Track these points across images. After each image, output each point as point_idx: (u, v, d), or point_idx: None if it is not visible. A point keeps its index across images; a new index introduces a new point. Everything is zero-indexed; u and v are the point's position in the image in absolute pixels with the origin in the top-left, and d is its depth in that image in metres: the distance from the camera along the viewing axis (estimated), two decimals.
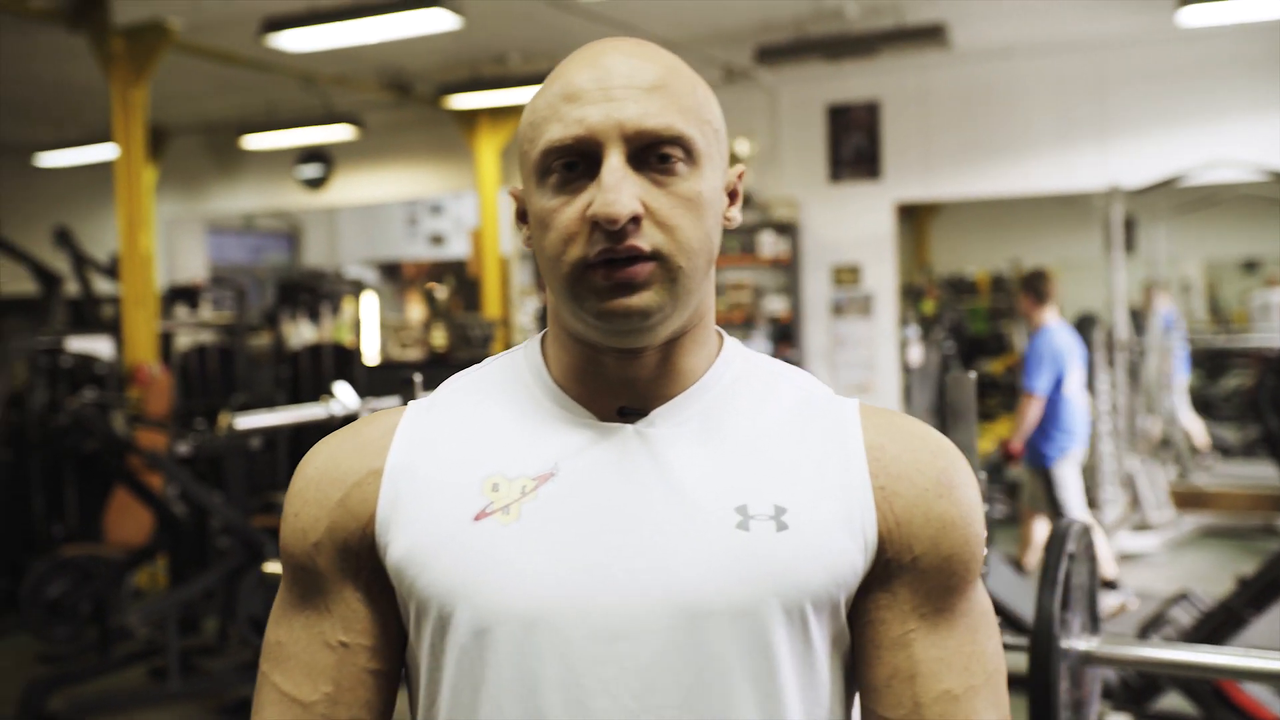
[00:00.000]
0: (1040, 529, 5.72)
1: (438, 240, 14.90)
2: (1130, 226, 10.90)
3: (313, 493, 0.99)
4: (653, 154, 0.91)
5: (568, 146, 0.91)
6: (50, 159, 10.80)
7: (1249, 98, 7.33)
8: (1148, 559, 6.66)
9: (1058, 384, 5.52)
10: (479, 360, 1.08)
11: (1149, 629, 3.74)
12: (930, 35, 6.84)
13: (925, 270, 13.95)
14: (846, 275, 8.54)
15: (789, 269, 8.64)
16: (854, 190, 8.53)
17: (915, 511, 0.96)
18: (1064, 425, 5.56)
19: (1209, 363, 11.41)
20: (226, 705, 4.59)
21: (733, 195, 1.01)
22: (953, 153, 8.26)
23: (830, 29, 7.31)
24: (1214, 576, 5.69)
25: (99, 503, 5.63)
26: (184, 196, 11.66)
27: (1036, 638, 1.86)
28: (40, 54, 7.86)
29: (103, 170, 9.33)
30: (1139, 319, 9.03)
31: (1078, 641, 1.96)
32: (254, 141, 9.94)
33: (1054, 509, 5.53)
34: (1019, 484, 6.15)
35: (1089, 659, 1.98)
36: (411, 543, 0.94)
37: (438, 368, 6.36)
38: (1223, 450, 9.32)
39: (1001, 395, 11.47)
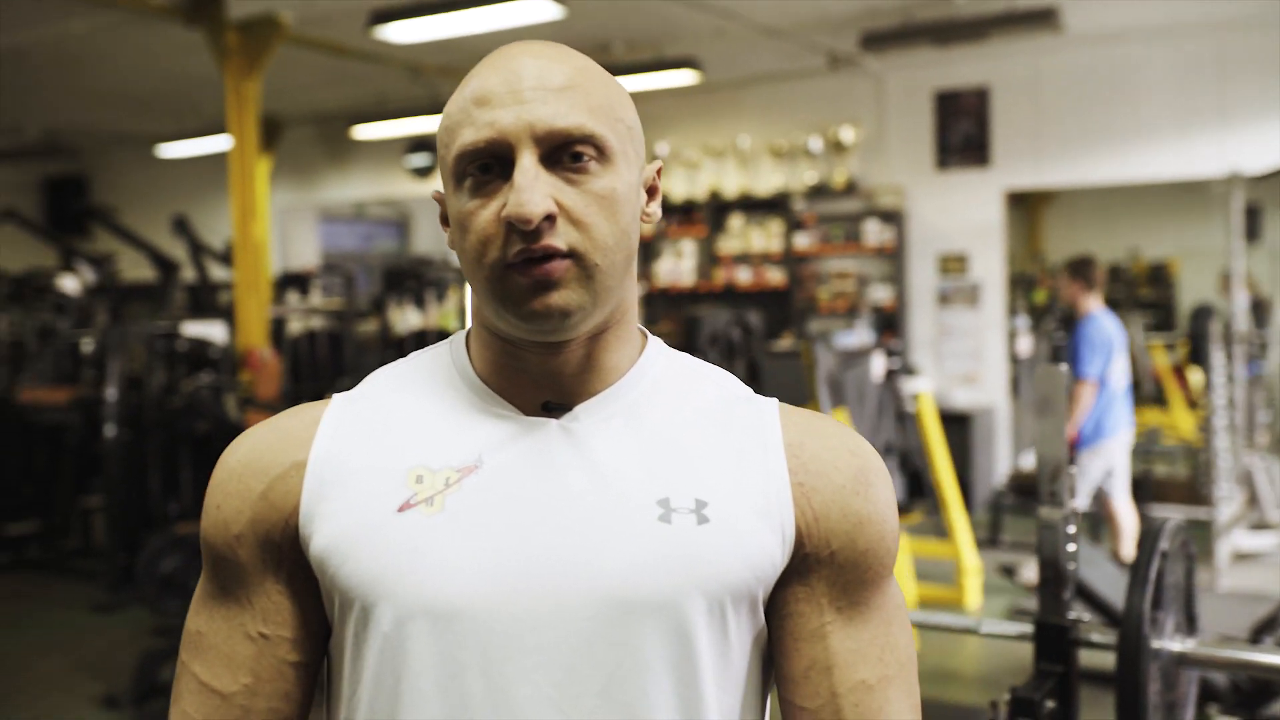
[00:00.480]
0: (1126, 515, 5.71)
1: None
2: (1254, 214, 10.51)
3: (234, 484, 1.00)
4: (565, 153, 0.92)
5: (480, 150, 0.92)
6: (170, 150, 11.14)
7: None
8: (1265, 558, 6.42)
9: (1103, 371, 5.58)
10: None
11: (1262, 631, 3.61)
12: (1042, 18, 6.67)
13: (1038, 259, 13.64)
14: (953, 264, 8.39)
15: (894, 257, 8.52)
16: (962, 178, 8.37)
17: (833, 507, 0.98)
18: (1109, 412, 5.65)
19: None
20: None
21: (651, 191, 1.03)
22: (1065, 139, 8.05)
23: (938, 13, 7.18)
24: None
25: None
26: (297, 185, 11.94)
27: (1125, 637, 1.81)
28: (160, 49, 8.12)
29: (219, 160, 9.61)
30: (1261, 311, 8.71)
31: (1171, 642, 1.91)
32: (364, 131, 10.13)
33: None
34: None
35: (1184, 660, 1.93)
36: (335, 534, 0.95)
37: None
38: None
39: None
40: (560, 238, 0.91)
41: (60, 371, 7.17)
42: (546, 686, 0.91)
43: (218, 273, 9.32)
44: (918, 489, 6.41)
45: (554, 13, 6.37)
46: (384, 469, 0.96)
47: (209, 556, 1.01)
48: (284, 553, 0.98)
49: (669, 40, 8.06)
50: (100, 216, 8.28)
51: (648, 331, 1.08)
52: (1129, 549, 5.58)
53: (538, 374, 0.99)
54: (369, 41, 7.55)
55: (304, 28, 7.44)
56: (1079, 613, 2.00)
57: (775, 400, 1.05)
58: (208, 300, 8.40)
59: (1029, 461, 8.18)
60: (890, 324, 8.44)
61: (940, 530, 6.06)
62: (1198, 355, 8.49)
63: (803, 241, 8.77)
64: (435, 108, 9.32)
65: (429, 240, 15.45)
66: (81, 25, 7.39)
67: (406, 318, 8.14)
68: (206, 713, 1.00)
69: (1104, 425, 5.68)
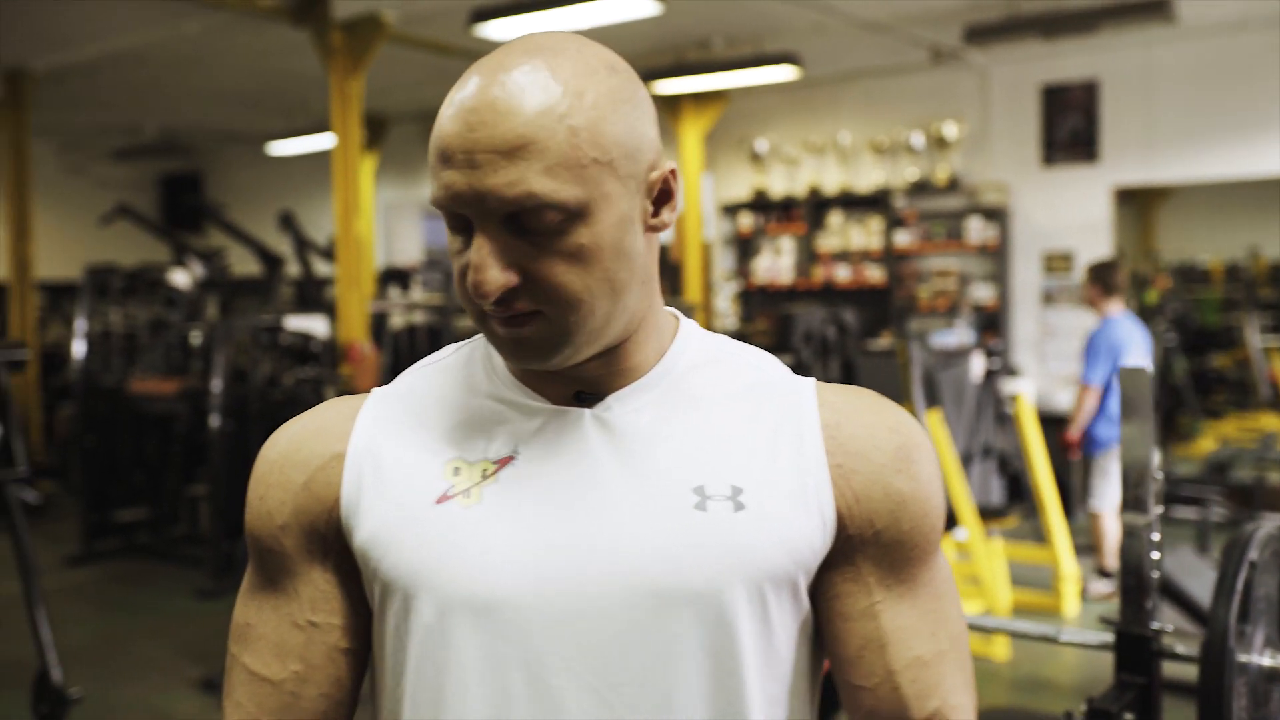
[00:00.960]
0: (1110, 525, 5.68)
1: None
2: None
3: (276, 476, 1.00)
4: (528, 219, 0.88)
5: (443, 206, 0.90)
6: (280, 148, 11.41)
7: None
8: None
9: (1109, 376, 5.60)
10: None
11: None
12: (1154, 9, 6.47)
13: (1151, 257, 13.25)
14: (1058, 262, 8.20)
15: (997, 256, 8.35)
16: (1068, 174, 8.17)
17: (874, 488, 0.97)
18: (1115, 417, 5.57)
19: None
20: None
21: (662, 196, 0.96)
22: (1177, 133, 7.81)
23: (1045, 5, 7.01)
24: None
25: None
26: (402, 182, 12.14)
27: (1208, 649, 1.75)
28: (269, 49, 8.31)
29: (325, 158, 9.81)
30: None
31: (1260, 657, 1.83)
32: None
33: (1085, 494, 5.74)
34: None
35: (1275, 677, 1.85)
36: (376, 526, 0.96)
37: None
38: None
39: (1230, 391, 10.79)
40: (526, 302, 0.89)
41: (170, 363, 7.38)
42: (587, 675, 0.91)
43: (322, 268, 9.51)
44: (1016, 492, 6.28)
45: (653, 9, 6.37)
46: (421, 461, 0.97)
47: (254, 548, 1.02)
48: (329, 542, 0.99)
49: (769, 36, 8.00)
50: (210, 212, 8.52)
51: (680, 315, 1.06)
52: (1111, 562, 5.68)
53: (562, 374, 0.98)
54: (470, 39, 7.63)
55: (406, 26, 7.56)
56: (1164, 623, 1.93)
57: (813, 380, 1.03)
58: (312, 295, 8.59)
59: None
60: (992, 323, 8.28)
61: (1039, 535, 5.92)
62: None
63: (903, 239, 8.65)
64: None
65: None
66: (194, 27, 7.60)
67: None
68: (259, 701, 1.01)
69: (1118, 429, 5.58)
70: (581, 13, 6.53)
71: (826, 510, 0.96)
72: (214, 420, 6.07)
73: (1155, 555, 1.92)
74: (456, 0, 6.89)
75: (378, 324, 7.88)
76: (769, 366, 1.04)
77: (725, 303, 9.36)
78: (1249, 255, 13.13)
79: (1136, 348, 5.61)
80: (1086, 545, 6.10)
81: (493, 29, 6.83)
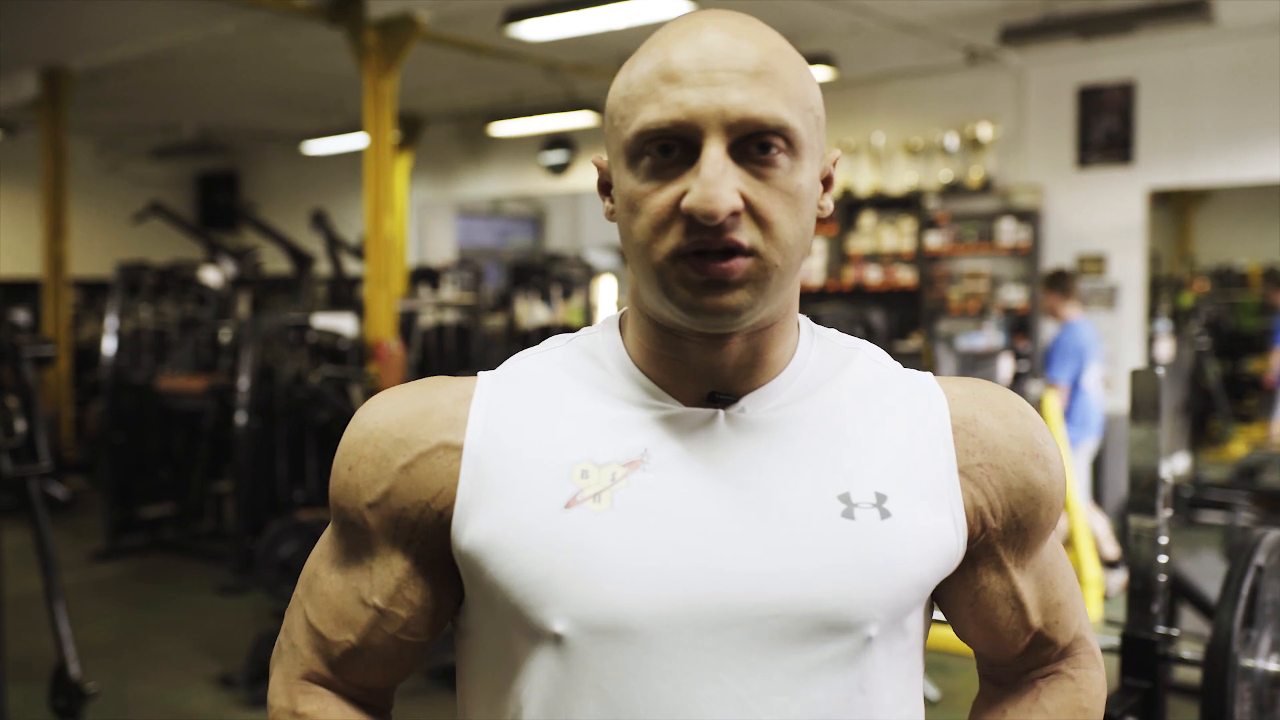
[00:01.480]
0: (1098, 523, 5.93)
1: None
2: None
3: (370, 450, 0.96)
4: (753, 144, 0.86)
5: (664, 130, 0.86)
6: (315, 147, 11.49)
7: None
8: None
9: (1076, 377, 5.87)
10: None
11: None
12: (1193, 10, 6.39)
13: (1187, 261, 13.10)
14: (1091, 265, 8.11)
15: (1029, 258, 8.27)
16: (1103, 176, 8.08)
17: (1015, 479, 0.97)
18: (1078, 418, 5.91)
19: None
20: (435, 670, 4.78)
21: (826, 182, 0.96)
22: (1214, 136, 7.70)
23: (1082, 6, 6.95)
24: None
25: None
26: (436, 181, 12.19)
27: (1212, 654, 1.72)
28: (304, 49, 8.38)
29: (359, 157, 9.86)
30: None
31: (1266, 662, 1.80)
32: (501, 129, 10.29)
33: None
34: None
35: None
36: (495, 528, 0.91)
37: None
38: None
39: (1262, 396, 10.65)
40: (744, 234, 0.86)
41: (200, 360, 7.45)
42: (733, 685, 0.88)
43: (352, 266, 9.58)
44: None
45: (687, 9, 6.36)
46: (545, 462, 0.92)
47: (337, 516, 0.99)
48: (417, 532, 0.95)
49: (803, 36, 7.97)
50: (241, 211, 8.59)
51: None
52: (1109, 549, 5.92)
53: (699, 366, 0.94)
54: (504, 40, 7.66)
55: (440, 27, 7.59)
56: (1180, 627, 1.91)
57: (930, 375, 1.02)
58: (343, 293, 8.65)
59: (1166, 470, 7.86)
60: (1022, 326, 8.20)
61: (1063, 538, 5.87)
62: None
63: (935, 241, 8.59)
64: (571, 105, 9.42)
65: (563, 237, 15.61)
66: (230, 26, 7.67)
67: (534, 313, 8.25)
68: (314, 647, 1.00)
69: (1089, 425, 5.99)
70: (616, 12, 6.53)
71: (958, 512, 0.95)
72: (240, 417, 6.12)
73: (1163, 559, 1.90)
74: (490, 0, 6.91)
75: (407, 322, 7.93)
76: (883, 360, 1.03)
77: None
78: None
79: (1097, 352, 6.01)
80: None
81: (526, 29, 6.85)
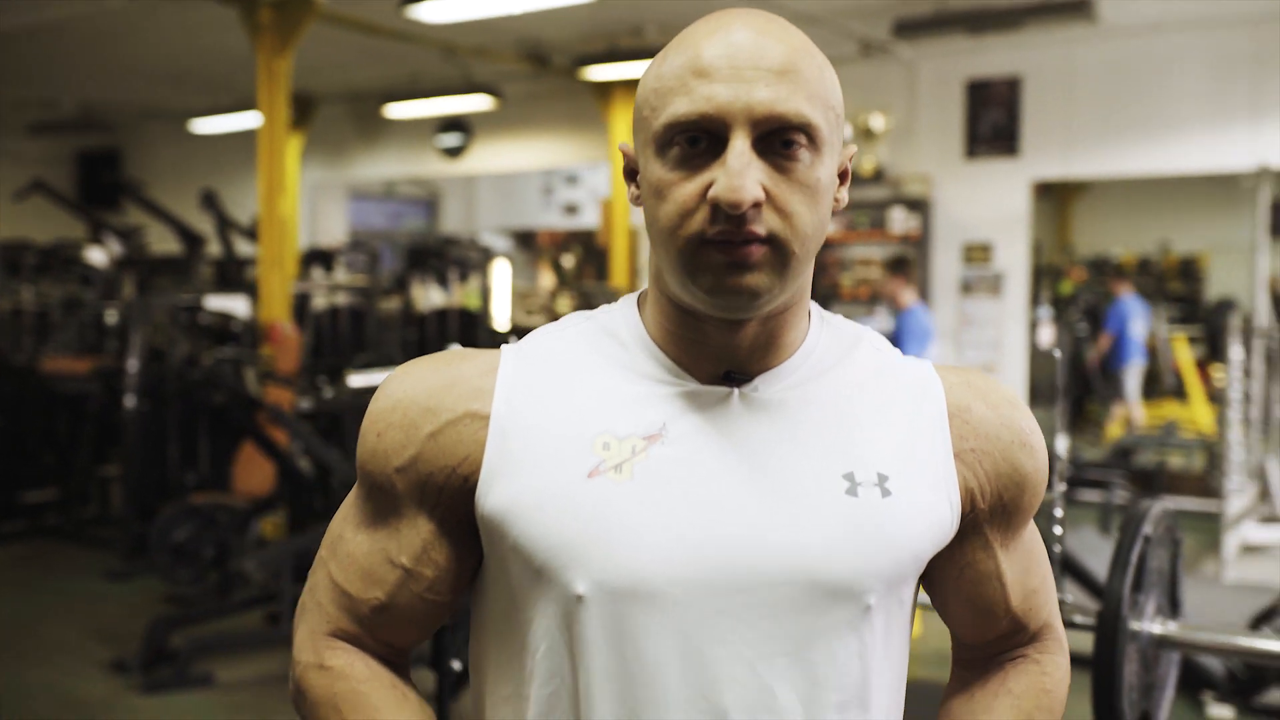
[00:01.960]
0: None
1: (572, 210, 15.03)
2: None
3: (398, 417, 1.01)
4: (777, 139, 0.91)
5: (693, 122, 0.91)
6: (203, 126, 11.22)
7: None
8: (1274, 552, 6.39)
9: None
10: None
11: (1262, 621, 3.60)
12: (1076, 8, 6.61)
13: (1067, 250, 13.55)
14: (977, 253, 8.35)
15: (918, 245, 8.48)
16: (990, 167, 8.32)
17: (1004, 465, 1.04)
18: None
19: None
20: None
21: (843, 176, 1.01)
22: (1096, 130, 7.98)
23: (971, 2, 7.13)
24: None
25: (229, 453, 5.87)
26: (329, 163, 12.01)
27: (1104, 618, 1.82)
28: (195, 25, 8.16)
29: (250, 136, 9.66)
30: None
31: (1151, 625, 1.91)
32: (396, 110, 10.18)
33: None
34: None
35: (1163, 643, 1.93)
36: (518, 495, 0.96)
37: None
38: None
39: (1104, 378, 11.12)
40: (763, 224, 0.91)
41: (84, 342, 7.25)
42: (741, 646, 0.93)
43: (244, 248, 9.40)
44: None
45: None
46: (568, 433, 0.97)
47: (364, 481, 1.04)
48: (443, 496, 1.00)
49: None
50: (129, 190, 8.37)
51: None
52: None
53: (716, 346, 0.99)
54: (401, 21, 7.57)
55: (337, 5, 7.46)
56: (1065, 595, 2.00)
57: (929, 363, 1.08)
58: (234, 275, 8.49)
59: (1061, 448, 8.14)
60: None
61: None
62: (1217, 350, 8.45)
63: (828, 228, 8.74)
64: (468, 88, 9.36)
65: (457, 220, 15.51)
66: (117, 0, 7.45)
67: (430, 296, 8.19)
68: (339, 605, 1.04)
69: None
70: None
71: (953, 493, 1.01)
72: (129, 400, 5.99)
73: (1059, 531, 1.99)
74: None
75: (300, 305, 7.81)
76: (883, 345, 1.08)
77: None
78: (1159, 250, 13.49)
79: (935, 333, 6.24)
80: None
81: (425, 10, 6.79)
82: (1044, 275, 10.93)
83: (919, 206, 8.43)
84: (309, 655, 1.05)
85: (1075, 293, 10.38)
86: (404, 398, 1.01)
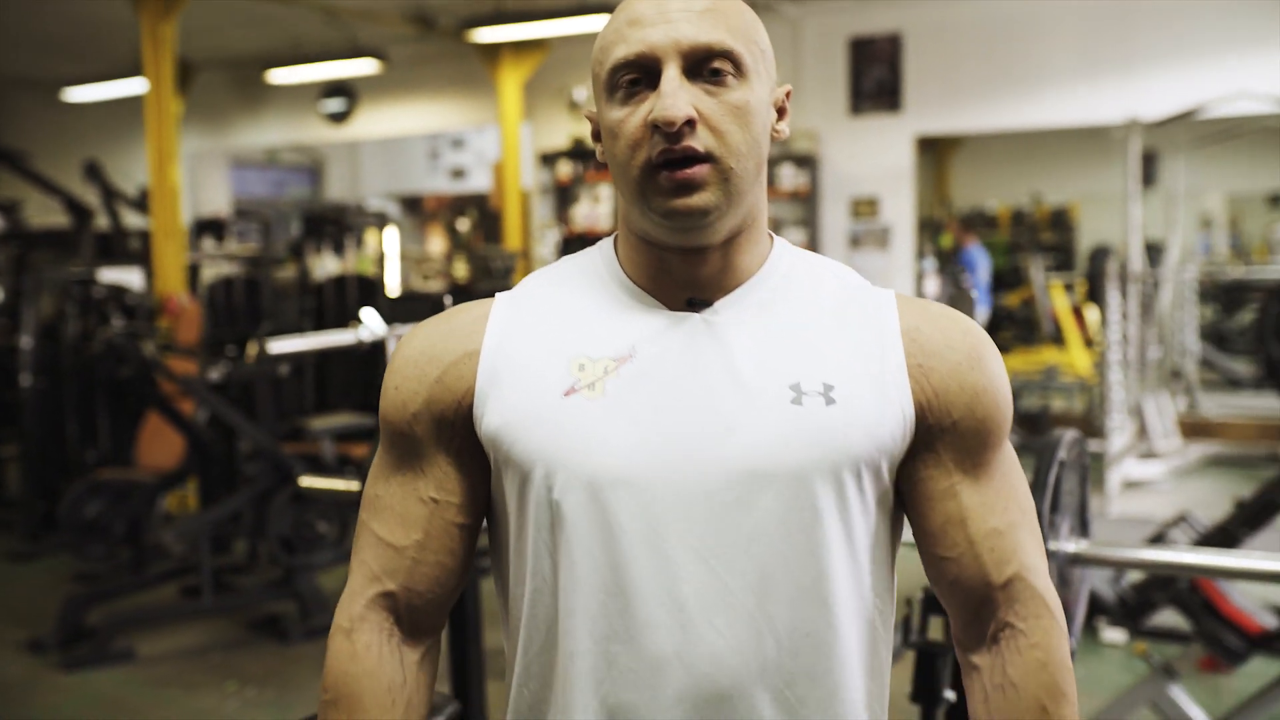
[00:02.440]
0: None
1: (459, 174, 14.95)
2: (1152, 160, 10.86)
3: (411, 370, 1.15)
4: (705, 67, 1.05)
5: (631, 62, 1.05)
6: (77, 94, 10.88)
7: (1275, 29, 7.28)
8: (1153, 486, 6.77)
9: None
10: (502, 290, 1.23)
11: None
12: None
13: (945, 204, 13.94)
14: (865, 208, 8.59)
15: (807, 201, 8.69)
16: (874, 123, 8.54)
17: (950, 382, 1.12)
18: None
19: (1225, 297, 11.43)
20: (256, 620, 4.77)
21: (781, 112, 1.15)
22: (974, 85, 8.25)
23: None
24: (1216, 503, 5.77)
25: (130, 429, 5.79)
26: (209, 131, 11.74)
27: None
28: None
29: (128, 105, 9.41)
30: (1155, 252, 9.07)
31: (1066, 544, 2.08)
32: (278, 76, 10.01)
33: None
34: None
35: (1076, 560, 2.10)
36: (506, 415, 1.09)
37: (461, 298, 6.47)
38: (1233, 383, 9.43)
39: (1017, 328, 11.53)
40: (699, 141, 1.03)
41: None
42: (695, 543, 1.05)
43: (130, 219, 9.18)
44: None
45: None
46: (549, 358, 1.11)
47: (387, 432, 1.17)
48: (455, 429, 1.14)
49: None
50: (11, 160, 8.09)
51: (774, 234, 1.20)
52: None
53: (680, 275, 1.12)
54: None
55: None
56: None
57: (892, 291, 1.19)
58: (120, 247, 8.29)
59: None
60: None
61: None
62: (1095, 295, 8.83)
63: None
64: (352, 52, 9.25)
65: (341, 186, 15.30)
66: None
67: (325, 263, 8.13)
68: (383, 563, 1.16)
69: None
70: None
71: (906, 405, 1.10)
72: (25, 378, 5.86)
73: None
74: None
75: (191, 276, 7.69)
76: (848, 275, 1.19)
77: (547, 250, 9.45)
78: (1032, 201, 13.97)
79: None
80: None
81: None
82: (925, 229, 11.26)
83: (807, 163, 8.62)
84: (343, 617, 1.16)
85: (955, 246, 10.72)
86: (414, 353, 1.16)
